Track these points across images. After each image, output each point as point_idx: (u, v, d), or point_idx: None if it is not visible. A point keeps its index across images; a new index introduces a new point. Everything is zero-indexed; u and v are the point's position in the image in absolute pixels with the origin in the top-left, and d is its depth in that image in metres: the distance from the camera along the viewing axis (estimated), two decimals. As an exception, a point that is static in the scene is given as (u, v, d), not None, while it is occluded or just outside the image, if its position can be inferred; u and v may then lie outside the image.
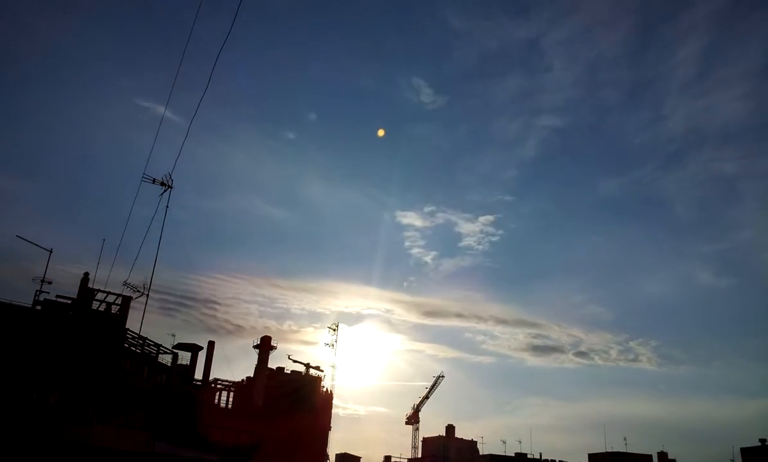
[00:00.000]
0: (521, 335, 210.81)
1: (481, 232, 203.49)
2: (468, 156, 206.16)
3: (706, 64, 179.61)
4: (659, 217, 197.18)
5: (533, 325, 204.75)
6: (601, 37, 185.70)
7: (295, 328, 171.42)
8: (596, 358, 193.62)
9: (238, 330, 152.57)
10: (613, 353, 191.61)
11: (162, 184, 34.02)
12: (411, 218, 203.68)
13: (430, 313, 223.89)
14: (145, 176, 35.83)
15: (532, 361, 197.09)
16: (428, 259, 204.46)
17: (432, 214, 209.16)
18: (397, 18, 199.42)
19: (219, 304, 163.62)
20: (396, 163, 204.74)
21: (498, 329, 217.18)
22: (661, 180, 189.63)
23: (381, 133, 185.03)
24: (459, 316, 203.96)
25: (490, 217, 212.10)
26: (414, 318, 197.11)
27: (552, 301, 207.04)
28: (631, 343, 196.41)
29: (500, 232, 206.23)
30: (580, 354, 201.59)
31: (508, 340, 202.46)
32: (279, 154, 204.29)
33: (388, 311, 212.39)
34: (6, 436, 36.14)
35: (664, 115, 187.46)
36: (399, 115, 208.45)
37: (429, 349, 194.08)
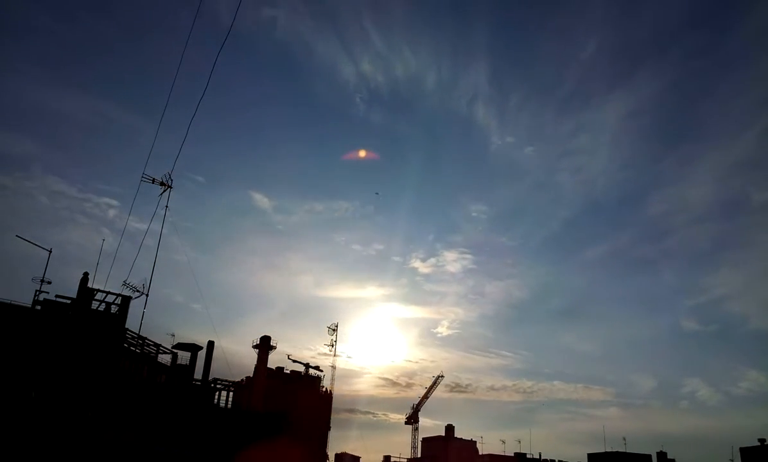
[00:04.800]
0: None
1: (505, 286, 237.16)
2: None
3: (681, 167, 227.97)
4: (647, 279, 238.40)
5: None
6: (603, 159, 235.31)
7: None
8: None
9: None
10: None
11: (162, 184, 34.07)
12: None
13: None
14: (144, 176, 35.89)
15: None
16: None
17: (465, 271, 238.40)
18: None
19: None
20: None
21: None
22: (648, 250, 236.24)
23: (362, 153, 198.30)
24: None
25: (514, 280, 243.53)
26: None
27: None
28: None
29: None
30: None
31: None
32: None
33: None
34: (6, 435, 36.10)
35: (647, 205, 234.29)
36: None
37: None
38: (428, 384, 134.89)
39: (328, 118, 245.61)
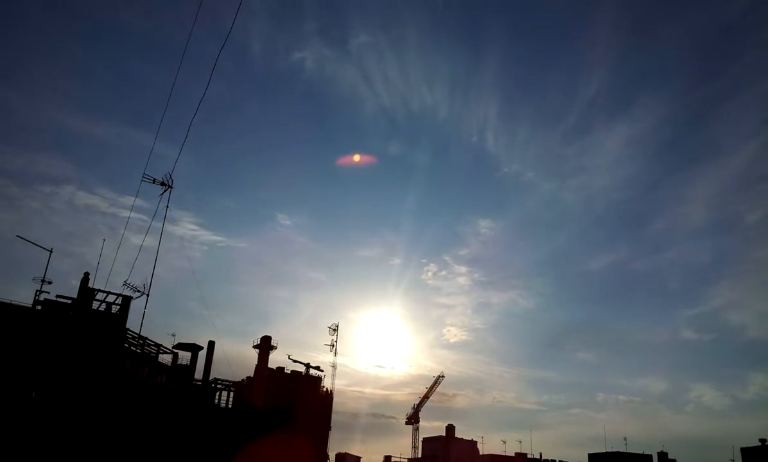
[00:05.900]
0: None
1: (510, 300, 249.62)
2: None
3: (679, 187, 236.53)
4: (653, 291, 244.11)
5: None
6: (605, 179, 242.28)
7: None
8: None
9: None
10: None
11: (162, 184, 34.01)
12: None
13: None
14: (145, 176, 35.81)
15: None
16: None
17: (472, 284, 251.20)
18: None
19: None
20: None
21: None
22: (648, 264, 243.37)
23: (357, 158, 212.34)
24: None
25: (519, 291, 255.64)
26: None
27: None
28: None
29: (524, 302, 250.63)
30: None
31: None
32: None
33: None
34: (6, 435, 36.09)
35: (650, 223, 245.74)
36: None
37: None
38: (454, 390, 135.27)
39: (347, 146, 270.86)
